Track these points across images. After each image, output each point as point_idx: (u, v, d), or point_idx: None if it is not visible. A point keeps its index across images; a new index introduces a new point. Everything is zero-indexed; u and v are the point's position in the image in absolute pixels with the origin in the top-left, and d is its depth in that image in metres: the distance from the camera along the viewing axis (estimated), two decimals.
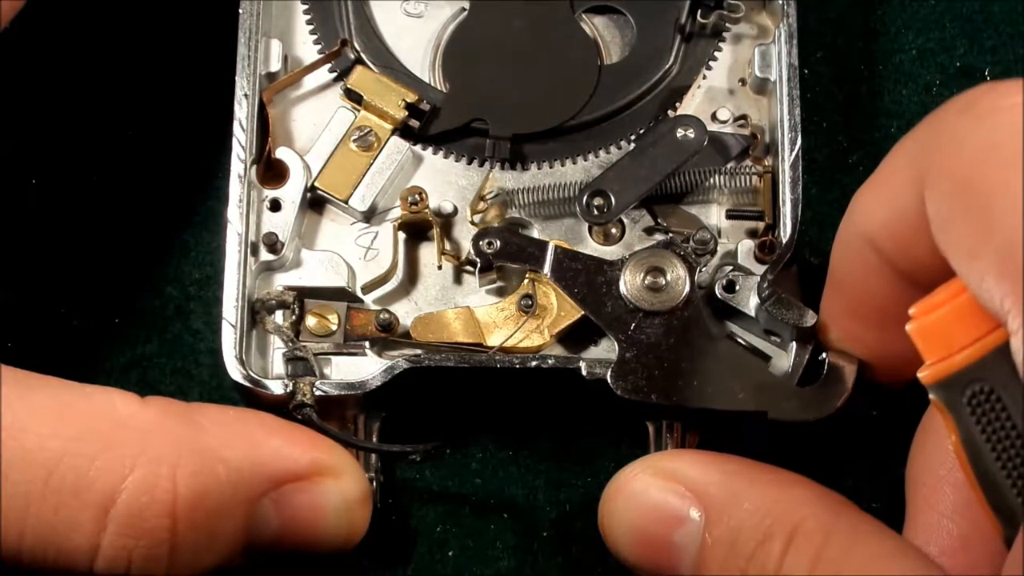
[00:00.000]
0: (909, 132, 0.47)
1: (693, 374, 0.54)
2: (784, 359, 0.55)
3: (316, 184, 0.57)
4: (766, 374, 0.55)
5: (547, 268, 0.56)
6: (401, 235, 0.57)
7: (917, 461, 0.51)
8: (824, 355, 0.54)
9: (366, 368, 0.56)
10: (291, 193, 0.57)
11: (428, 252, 0.58)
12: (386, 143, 0.58)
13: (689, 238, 0.56)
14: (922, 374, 0.44)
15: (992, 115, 0.43)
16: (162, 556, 0.47)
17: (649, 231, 0.58)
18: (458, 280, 0.58)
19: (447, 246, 0.58)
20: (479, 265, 0.56)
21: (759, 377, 0.54)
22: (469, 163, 0.58)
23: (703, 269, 0.56)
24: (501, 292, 0.58)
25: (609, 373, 0.54)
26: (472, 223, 0.58)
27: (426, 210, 0.57)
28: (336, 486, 0.51)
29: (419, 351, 0.56)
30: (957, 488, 0.49)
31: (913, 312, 0.44)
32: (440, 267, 0.57)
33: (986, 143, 0.42)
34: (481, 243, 0.56)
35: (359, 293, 0.57)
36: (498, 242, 0.56)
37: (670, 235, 0.57)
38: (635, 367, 0.54)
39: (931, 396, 0.44)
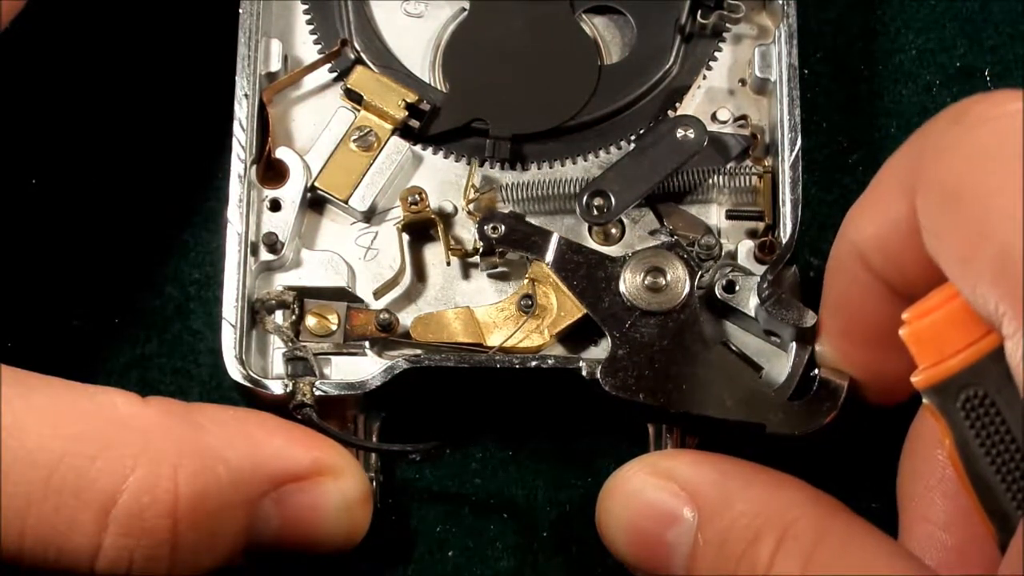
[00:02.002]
0: (898, 148, 0.47)
1: (683, 377, 0.54)
2: (775, 371, 0.55)
3: (316, 184, 0.57)
4: (756, 384, 0.54)
5: (549, 258, 0.56)
6: (405, 237, 0.57)
7: (906, 473, 0.51)
8: (816, 371, 0.54)
9: (366, 368, 0.56)
10: (291, 193, 0.57)
11: (428, 252, 0.58)
12: (386, 143, 0.58)
13: (695, 242, 0.56)
14: (916, 378, 0.44)
15: (982, 124, 0.43)
16: (163, 556, 0.47)
17: (653, 233, 0.58)
18: (459, 279, 0.58)
19: (452, 241, 0.58)
20: (482, 249, 0.57)
21: (749, 387, 0.54)
22: (469, 163, 0.58)
23: (705, 275, 0.56)
24: (503, 278, 0.58)
25: (599, 369, 0.54)
26: (469, 213, 0.58)
27: (427, 209, 0.57)
28: (337, 486, 0.51)
29: (419, 351, 0.56)
30: (949, 499, 0.49)
31: (906, 316, 0.44)
32: (448, 263, 0.57)
33: (977, 150, 0.43)
34: (486, 227, 0.56)
35: (373, 299, 0.57)
36: (503, 227, 0.56)
37: (675, 238, 0.57)
38: (626, 365, 0.54)
39: (925, 400, 0.44)
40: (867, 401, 0.54)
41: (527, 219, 0.57)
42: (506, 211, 0.57)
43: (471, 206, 0.58)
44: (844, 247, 0.50)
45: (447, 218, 0.58)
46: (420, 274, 0.58)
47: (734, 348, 0.56)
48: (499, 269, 0.58)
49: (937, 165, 0.44)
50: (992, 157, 0.42)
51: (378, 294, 0.57)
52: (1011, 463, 0.43)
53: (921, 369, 0.44)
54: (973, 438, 0.43)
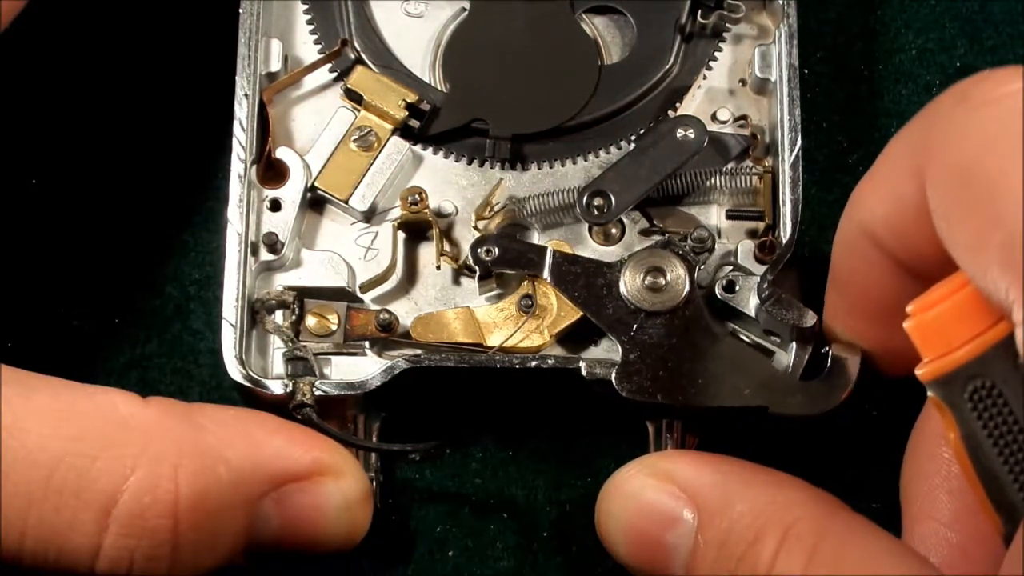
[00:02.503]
0: (906, 124, 0.47)
1: (697, 373, 0.54)
2: (779, 365, 0.55)
3: (316, 184, 0.57)
4: (770, 369, 0.54)
5: (546, 273, 0.56)
6: (401, 235, 0.57)
7: (910, 470, 0.51)
8: (827, 348, 0.54)
9: (366, 368, 0.56)
10: (291, 193, 0.57)
11: (428, 252, 0.58)
12: (386, 143, 0.58)
13: (687, 237, 0.56)
14: (920, 371, 0.44)
15: (987, 105, 0.43)
16: (164, 556, 0.47)
17: (646, 232, 0.58)
18: (457, 280, 0.58)
19: (446, 247, 0.58)
20: (478, 273, 0.56)
21: (763, 372, 0.54)
22: (469, 163, 0.58)
23: (702, 268, 0.56)
24: (501, 299, 0.57)
25: (613, 375, 0.54)
26: (476, 228, 0.58)
27: (426, 210, 0.57)
28: (337, 486, 0.51)
29: (419, 351, 0.56)
30: (954, 496, 0.49)
31: (911, 309, 0.44)
32: (439, 267, 0.57)
33: (984, 134, 0.42)
34: (479, 251, 0.56)
35: (359, 293, 0.57)
36: (496, 249, 0.56)
37: (667, 235, 0.57)
38: (639, 368, 0.54)
39: (930, 393, 0.44)
40: (880, 373, 0.54)
41: (527, 228, 0.57)
42: (495, 232, 0.57)
43: (480, 224, 0.57)
44: (852, 226, 0.50)
45: (446, 219, 0.58)
46: (420, 274, 0.58)
47: (744, 337, 0.56)
48: (496, 292, 0.57)
49: (944, 148, 0.43)
50: (998, 139, 0.42)
51: (364, 288, 0.57)
52: (1019, 454, 0.43)
53: (926, 362, 0.44)
54: (980, 430, 0.43)
